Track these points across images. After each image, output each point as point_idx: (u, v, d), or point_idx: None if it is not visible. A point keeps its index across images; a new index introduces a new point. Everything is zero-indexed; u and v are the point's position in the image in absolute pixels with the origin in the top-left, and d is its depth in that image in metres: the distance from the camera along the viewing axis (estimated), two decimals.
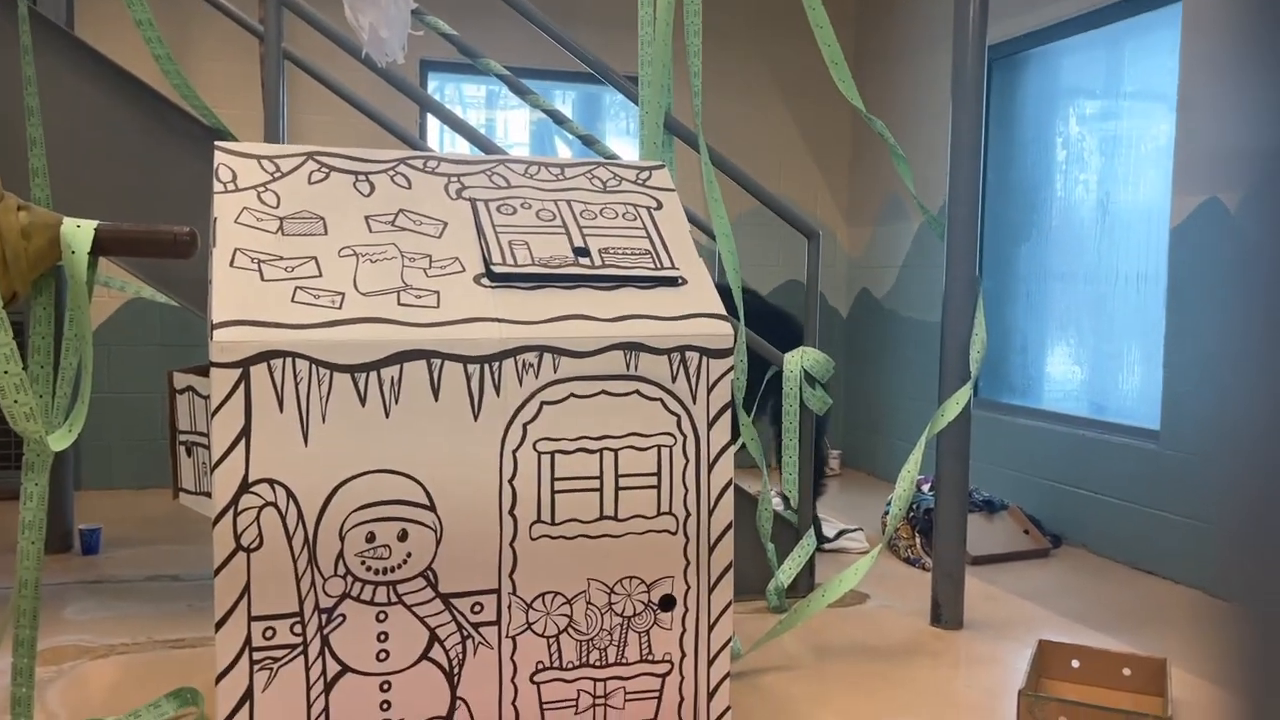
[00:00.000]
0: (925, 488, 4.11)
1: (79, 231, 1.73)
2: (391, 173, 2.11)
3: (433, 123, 5.29)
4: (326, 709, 1.81)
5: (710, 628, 2.06)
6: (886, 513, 4.21)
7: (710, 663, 2.06)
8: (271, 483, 1.76)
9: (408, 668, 1.85)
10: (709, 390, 2.01)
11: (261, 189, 1.99)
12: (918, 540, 3.94)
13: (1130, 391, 4.14)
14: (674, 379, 1.98)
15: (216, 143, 2.06)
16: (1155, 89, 4.02)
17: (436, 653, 1.87)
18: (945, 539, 3.14)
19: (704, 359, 2.00)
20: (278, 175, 2.02)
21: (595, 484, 1.94)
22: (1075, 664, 2.68)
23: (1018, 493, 4.46)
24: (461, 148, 5.21)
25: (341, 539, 1.80)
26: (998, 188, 4.83)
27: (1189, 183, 3.66)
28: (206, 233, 1.96)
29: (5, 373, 1.60)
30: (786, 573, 3.21)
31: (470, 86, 5.63)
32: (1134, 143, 4.15)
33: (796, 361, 3.28)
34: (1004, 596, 3.49)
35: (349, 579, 1.81)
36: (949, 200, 3.13)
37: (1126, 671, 2.63)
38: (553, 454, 1.91)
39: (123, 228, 1.81)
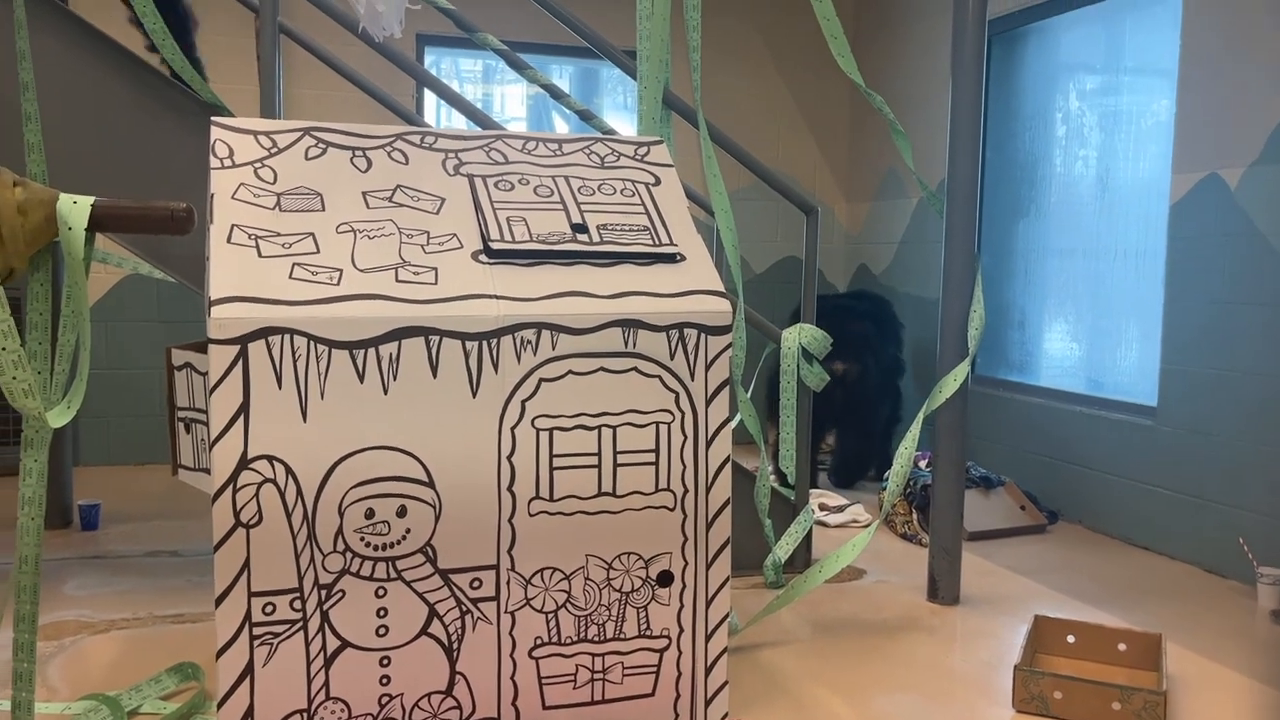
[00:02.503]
0: (923, 464, 4.12)
1: (75, 207, 1.72)
2: (389, 148, 2.11)
3: (430, 98, 5.26)
4: (326, 684, 1.83)
5: (708, 603, 2.07)
6: (883, 489, 4.23)
7: (708, 638, 2.08)
8: (270, 459, 1.76)
9: (407, 643, 1.86)
10: (707, 367, 2.01)
11: (258, 165, 1.98)
12: (915, 516, 3.95)
13: (1127, 368, 4.14)
14: (672, 356, 1.98)
15: (213, 118, 2.05)
16: (1156, 64, 4.00)
17: (436, 628, 1.88)
18: (942, 515, 3.15)
19: (702, 335, 2.00)
20: (274, 151, 2.01)
21: (594, 460, 1.95)
22: (1071, 639, 2.70)
23: (1015, 469, 4.48)
24: (459, 123, 5.19)
25: (341, 515, 1.80)
26: (997, 164, 4.81)
27: (1189, 159, 3.65)
28: (203, 209, 1.95)
29: (3, 349, 1.59)
30: (784, 548, 3.22)
31: (467, 61, 5.59)
32: (1134, 118, 4.13)
33: (794, 338, 3.28)
34: (1000, 572, 3.51)
35: (348, 555, 1.81)
36: (948, 176, 3.12)
37: (1122, 647, 2.65)
38: (551, 431, 1.92)
39: (119, 203, 1.80)
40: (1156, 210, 3.91)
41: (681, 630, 2.05)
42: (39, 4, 2.79)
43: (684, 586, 2.05)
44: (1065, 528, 4.15)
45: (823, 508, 4.25)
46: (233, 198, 1.91)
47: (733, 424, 2.29)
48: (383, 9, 2.62)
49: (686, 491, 2.02)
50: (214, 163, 1.96)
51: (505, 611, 1.92)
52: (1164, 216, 3.79)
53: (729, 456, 2.06)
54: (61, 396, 1.82)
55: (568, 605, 1.96)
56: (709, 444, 2.03)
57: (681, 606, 2.05)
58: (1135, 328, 4.10)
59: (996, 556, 3.70)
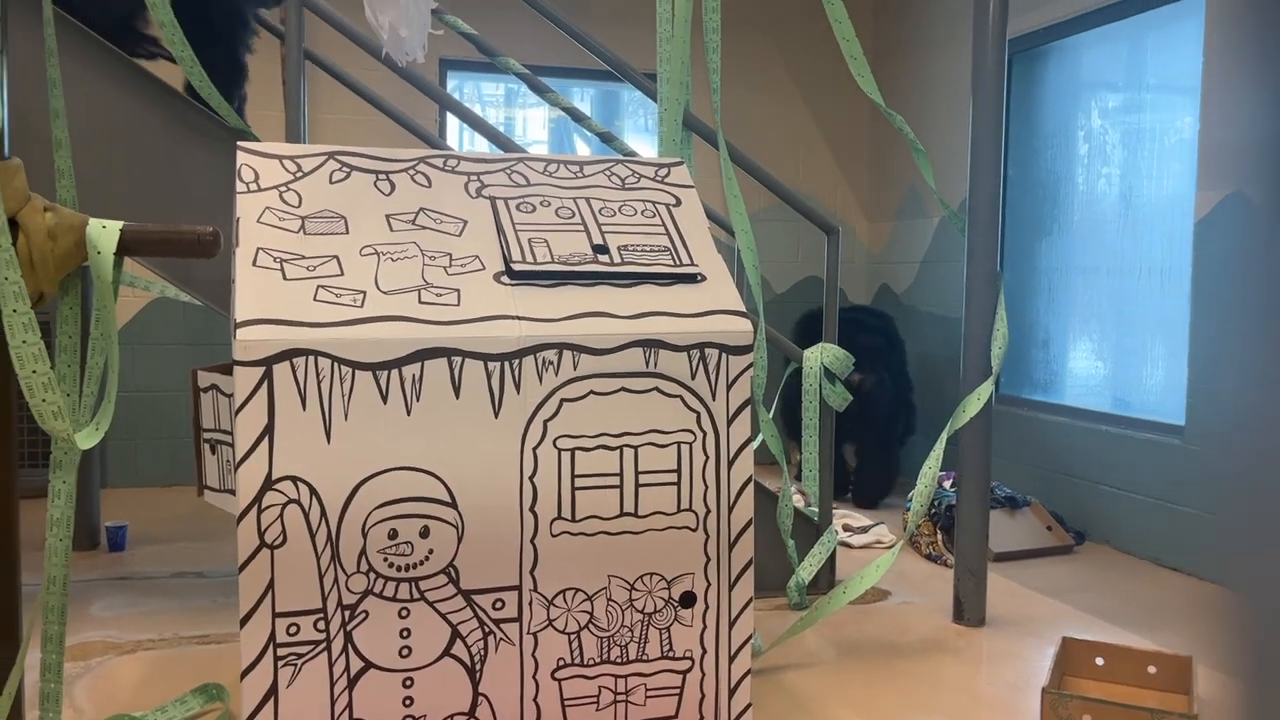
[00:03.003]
0: (947, 484, 4.09)
1: (104, 232, 1.75)
2: (412, 172, 2.13)
3: (452, 121, 5.31)
4: (350, 705, 1.83)
5: (731, 624, 2.06)
6: (908, 509, 4.20)
7: (731, 659, 2.06)
8: (295, 480, 1.77)
9: (430, 664, 1.86)
10: (728, 387, 2.01)
11: (283, 189, 2.00)
12: (939, 537, 3.92)
13: (1154, 387, 4.10)
14: (693, 376, 1.98)
15: (239, 143, 2.08)
16: (1178, 82, 3.98)
17: (458, 649, 1.88)
18: (967, 535, 3.13)
19: (723, 355, 2.00)
20: (299, 175, 2.04)
21: (615, 481, 1.95)
22: (1099, 662, 2.67)
23: (1040, 489, 4.44)
24: (481, 146, 5.23)
25: (364, 536, 1.81)
26: (1019, 182, 4.80)
27: (1213, 176, 3.63)
28: (229, 232, 1.98)
29: (34, 372, 1.61)
30: (807, 569, 3.20)
31: (489, 85, 5.64)
32: (1157, 136, 4.11)
33: (816, 358, 3.27)
34: (1027, 593, 3.48)
35: (371, 575, 1.82)
36: (969, 194, 3.11)
37: (1151, 669, 2.61)
38: (573, 451, 1.92)
39: (147, 228, 1.82)
40: (1181, 227, 3.88)
41: (705, 652, 2.04)
42: (69, 32, 2.85)
43: (707, 608, 2.04)
44: (1092, 548, 4.10)
45: (846, 528, 4.23)
46: (258, 221, 1.93)
47: (754, 444, 2.28)
48: (405, 34, 2.65)
49: (709, 512, 2.02)
50: (240, 187, 1.98)
51: (528, 632, 1.92)
52: (1188, 234, 3.76)
53: (751, 476, 2.06)
54: (90, 419, 1.84)
55: (590, 626, 1.96)
56: (731, 464, 2.03)
57: (704, 628, 2.04)
58: (1162, 346, 4.06)
59: (1023, 577, 3.66)
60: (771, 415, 3.21)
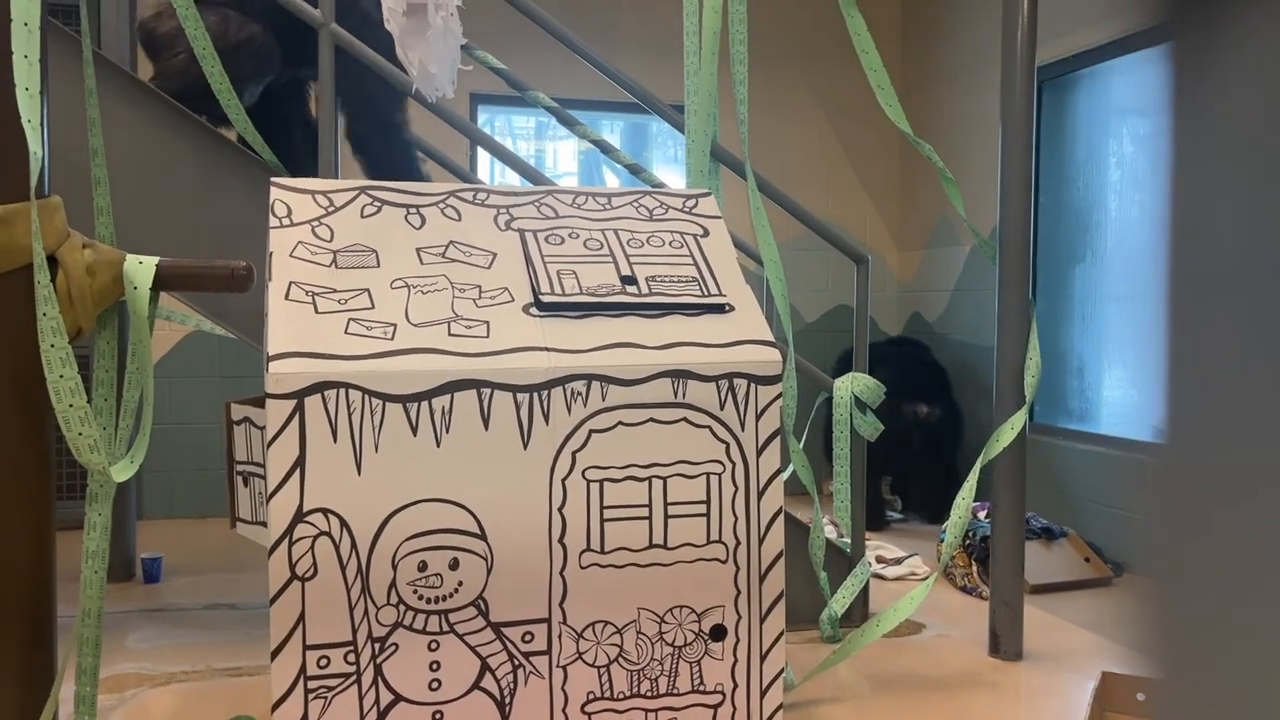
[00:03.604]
0: (981, 515, 4.04)
1: (141, 268, 1.78)
2: (442, 205, 2.15)
3: (483, 155, 5.36)
4: None
5: (762, 658, 2.04)
6: (942, 540, 4.15)
7: (763, 694, 2.04)
8: (325, 512, 1.78)
9: (459, 697, 1.86)
10: (758, 417, 2.00)
11: (315, 223, 2.03)
12: (974, 568, 3.87)
13: None
14: (722, 406, 1.98)
15: (272, 179, 2.11)
16: None
17: (488, 682, 1.87)
18: (1002, 567, 3.08)
19: (752, 385, 2.00)
20: (331, 210, 2.06)
21: (644, 512, 1.94)
22: (1141, 697, 2.61)
23: (1078, 520, 4.37)
24: (512, 179, 5.27)
25: (394, 568, 1.81)
26: (1051, 209, 4.76)
27: None
28: (262, 267, 2.00)
29: (71, 406, 1.64)
30: (840, 601, 3.17)
31: (519, 118, 5.70)
32: None
33: (847, 387, 3.25)
34: (1065, 626, 3.41)
35: (401, 608, 1.82)
36: (1000, 222, 3.09)
37: None
38: (602, 482, 1.91)
39: (182, 263, 1.85)
40: None
41: (736, 685, 2.02)
42: (108, 72, 2.91)
43: (737, 640, 2.02)
44: (1132, 580, 4.02)
45: (880, 560, 4.18)
46: (291, 255, 1.95)
47: (785, 475, 2.27)
48: (435, 70, 2.68)
49: (739, 543, 2.00)
50: (273, 222, 2.01)
51: (557, 665, 1.91)
52: None
53: (781, 507, 2.04)
54: (125, 451, 1.87)
55: (620, 659, 1.95)
56: (761, 495, 2.02)
57: (735, 661, 2.02)
58: None
59: (1061, 610, 3.60)
60: (802, 445, 3.19)
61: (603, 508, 1.92)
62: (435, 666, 1.84)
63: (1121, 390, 4.46)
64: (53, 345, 1.63)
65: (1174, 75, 0.45)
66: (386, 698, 1.82)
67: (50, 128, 1.78)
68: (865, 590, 3.36)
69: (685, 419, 1.96)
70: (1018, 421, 2.98)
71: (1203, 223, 0.44)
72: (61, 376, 1.63)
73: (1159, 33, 0.45)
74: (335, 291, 1.91)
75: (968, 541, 3.92)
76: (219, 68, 2.99)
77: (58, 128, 1.97)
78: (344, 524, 1.79)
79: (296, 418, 1.76)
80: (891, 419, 4.59)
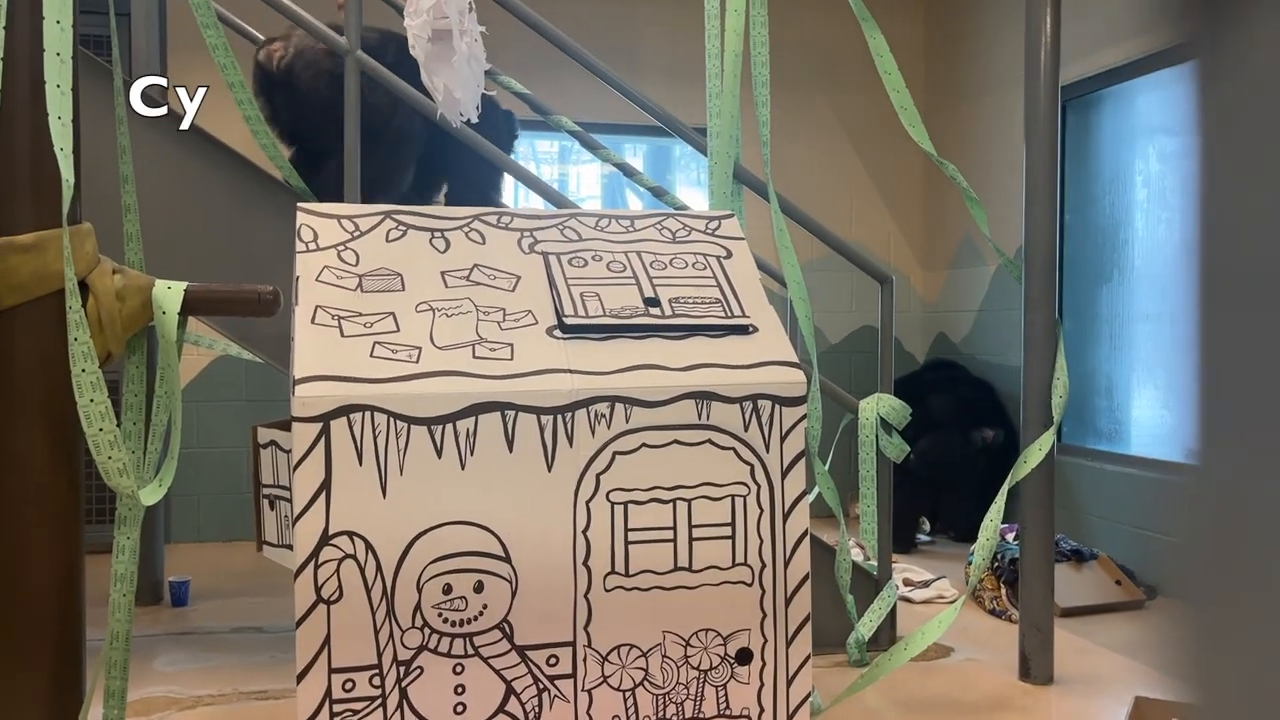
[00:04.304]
0: (1010, 537, 4.00)
1: (169, 293, 1.80)
2: (466, 229, 2.16)
3: (507, 179, 5.39)
4: None
5: (789, 682, 2.02)
6: (969, 563, 4.10)
7: (790, 718, 2.02)
8: (351, 535, 1.78)
9: None
10: (782, 439, 1.99)
11: (341, 248, 2.04)
12: (1003, 591, 3.82)
13: None
14: (746, 428, 1.97)
15: (299, 204, 2.13)
16: None
17: (513, 705, 1.86)
18: (1032, 590, 3.04)
19: (776, 407, 1.99)
20: (357, 234, 2.08)
21: (669, 535, 1.93)
22: None
23: (1108, 542, 4.31)
24: (536, 202, 5.30)
25: (419, 591, 1.81)
26: (1077, 229, 4.74)
27: None
28: (289, 291, 2.02)
29: (101, 430, 1.65)
30: (867, 625, 3.14)
31: (543, 142, 5.74)
32: None
33: (872, 409, 3.24)
34: (1096, 650, 3.36)
35: (426, 631, 1.82)
36: (1025, 242, 3.08)
37: None
38: (626, 505, 1.91)
39: (210, 288, 1.87)
40: None
41: (762, 710, 2.00)
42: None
43: (764, 664, 2.00)
44: (1165, 603, 3.96)
45: (907, 583, 4.14)
46: (317, 280, 1.97)
47: (810, 497, 2.25)
48: (460, 95, 2.71)
49: (764, 566, 1.99)
50: (299, 246, 2.03)
51: (582, 690, 1.90)
52: None
53: (807, 530, 2.03)
54: (154, 475, 1.88)
55: (645, 683, 1.93)
56: (786, 517, 2.00)
57: (762, 685, 2.00)
58: None
59: (1092, 634, 3.55)
60: (828, 467, 3.17)
61: (627, 530, 1.91)
62: (460, 690, 1.84)
63: (1151, 410, 4.41)
64: (84, 370, 1.64)
65: (1199, 89, 0.45)
66: None
67: (81, 155, 1.80)
68: (893, 613, 3.33)
69: (709, 441, 1.95)
70: (1045, 442, 2.95)
71: (1232, 240, 0.44)
72: (92, 401, 1.64)
73: (1183, 51, 0.45)
74: (361, 315, 1.93)
75: (996, 564, 3.88)
76: (249, 100, 3.05)
77: (88, 155, 2.00)
78: (369, 547, 1.79)
79: (322, 441, 1.77)
80: (963, 447, 4.65)
